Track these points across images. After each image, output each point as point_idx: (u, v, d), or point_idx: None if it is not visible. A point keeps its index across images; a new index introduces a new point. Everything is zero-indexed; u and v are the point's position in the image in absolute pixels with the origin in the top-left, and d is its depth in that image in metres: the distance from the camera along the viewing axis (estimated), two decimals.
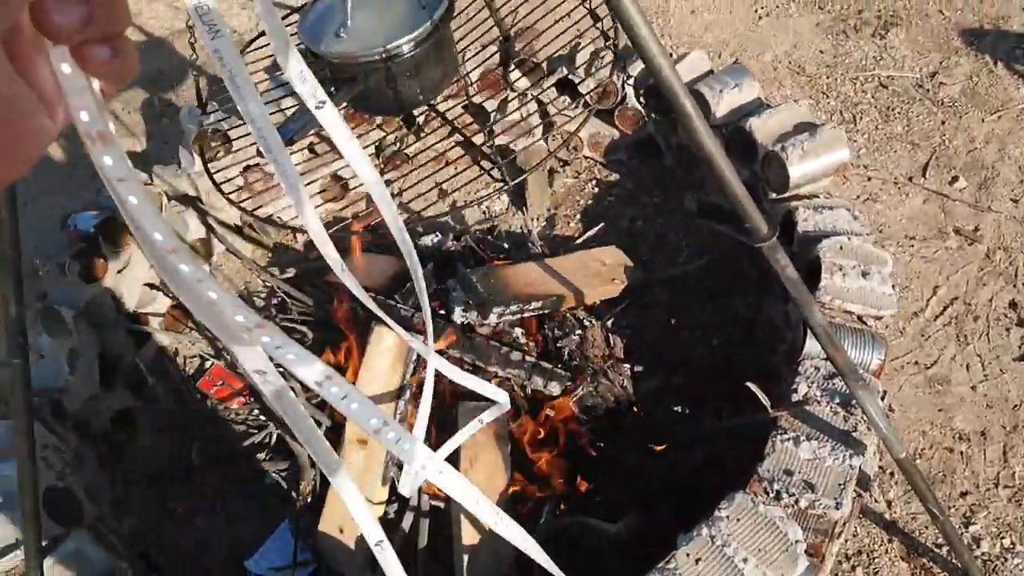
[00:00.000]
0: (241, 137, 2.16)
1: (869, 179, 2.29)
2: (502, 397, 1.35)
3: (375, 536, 0.78)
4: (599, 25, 1.30)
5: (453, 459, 1.74)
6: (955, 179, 2.24)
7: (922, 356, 1.92)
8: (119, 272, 2.11)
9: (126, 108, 2.90)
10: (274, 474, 1.96)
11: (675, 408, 1.95)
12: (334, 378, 0.54)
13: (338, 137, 0.75)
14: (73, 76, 0.34)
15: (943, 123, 2.38)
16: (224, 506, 1.94)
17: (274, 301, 2.24)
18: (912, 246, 2.12)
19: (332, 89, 1.29)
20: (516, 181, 1.50)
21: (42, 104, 0.33)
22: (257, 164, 2.26)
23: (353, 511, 0.72)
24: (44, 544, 1.53)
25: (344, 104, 1.32)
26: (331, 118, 0.74)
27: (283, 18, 1.73)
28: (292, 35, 1.43)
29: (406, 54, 1.21)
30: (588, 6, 1.29)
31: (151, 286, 2.21)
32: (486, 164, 2.36)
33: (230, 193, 1.56)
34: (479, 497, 0.74)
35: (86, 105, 0.35)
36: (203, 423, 2.04)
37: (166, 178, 2.22)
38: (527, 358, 1.80)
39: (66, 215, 2.05)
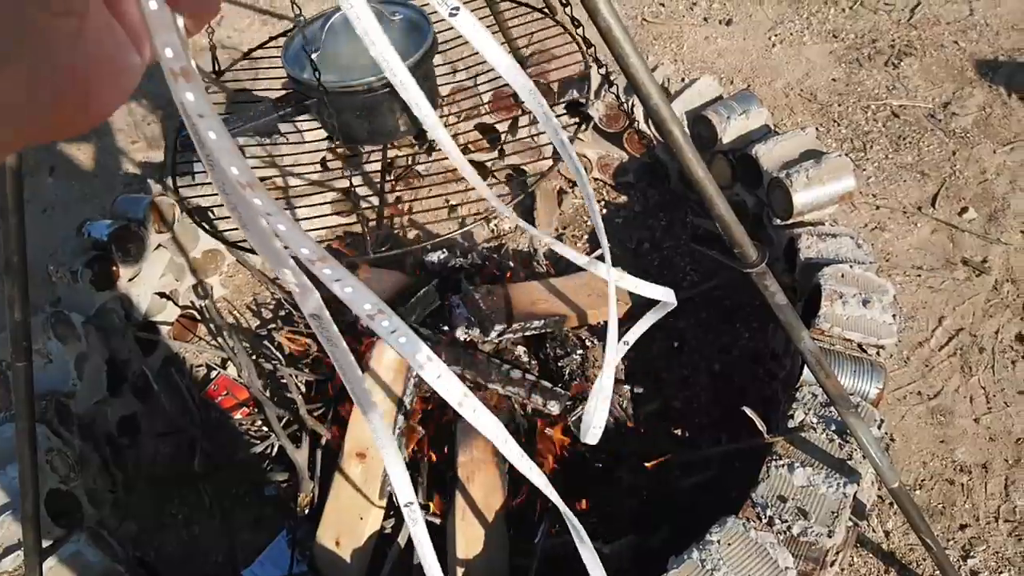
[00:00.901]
0: (257, 146, 2.20)
1: (878, 208, 2.28)
2: (668, 296, 1.28)
3: (406, 497, 0.80)
4: (591, 51, 1.31)
5: (452, 476, 1.75)
6: (965, 210, 2.23)
7: (925, 387, 1.90)
8: (130, 280, 2.15)
9: (147, 119, 2.96)
10: (273, 485, 1.98)
11: (674, 431, 1.95)
12: (385, 310, 0.56)
13: (478, 41, 0.80)
14: (159, 12, 0.34)
15: (954, 153, 2.37)
16: (223, 514, 1.96)
17: (281, 313, 2.27)
18: (919, 276, 2.11)
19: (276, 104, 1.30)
20: (516, 200, 1.52)
21: (131, 40, 0.34)
22: (270, 177, 2.30)
23: (387, 462, 0.76)
24: (45, 546, 1.55)
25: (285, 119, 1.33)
26: (468, 24, 0.79)
27: (277, 35, 1.76)
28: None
29: (380, 89, 1.21)
30: (592, 53, 1.30)
31: (161, 295, 2.25)
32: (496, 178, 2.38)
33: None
34: (476, 405, 0.74)
35: (171, 41, 0.35)
36: (206, 431, 2.07)
37: (180, 189, 2.26)
38: (528, 376, 1.81)
39: (82, 222, 2.09)
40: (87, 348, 1.99)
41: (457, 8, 0.76)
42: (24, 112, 0.30)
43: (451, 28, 1.66)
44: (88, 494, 1.84)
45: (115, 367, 2.07)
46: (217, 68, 1.46)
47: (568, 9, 1.05)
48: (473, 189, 1.20)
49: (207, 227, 1.32)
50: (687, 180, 0.98)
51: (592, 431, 1.32)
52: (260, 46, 1.78)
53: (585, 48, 1.13)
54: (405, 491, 0.82)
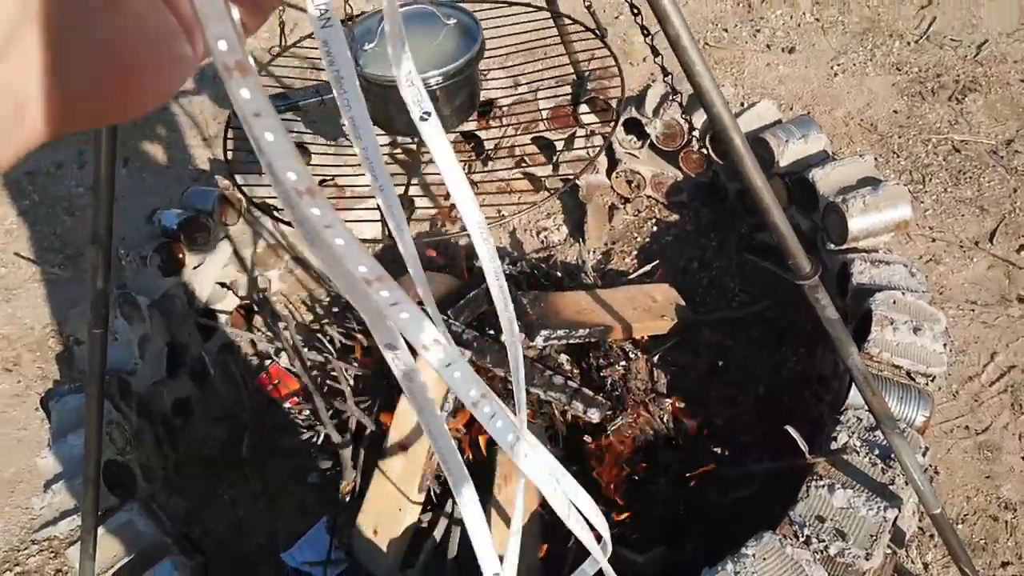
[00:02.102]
0: (321, 154, 2.29)
1: (934, 240, 2.27)
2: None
3: (490, 569, 0.72)
4: (666, 80, 1.36)
5: (489, 476, 1.78)
6: (1023, 247, 2.20)
7: (973, 421, 1.87)
8: (195, 268, 2.24)
9: (216, 118, 3.09)
10: (317, 473, 2.03)
11: (715, 448, 1.95)
12: (441, 342, 0.51)
13: (437, 150, 0.71)
14: (213, 1, 0.33)
15: (1015, 191, 2.34)
16: (268, 499, 2.02)
17: (335, 309, 2.34)
18: (973, 310, 2.09)
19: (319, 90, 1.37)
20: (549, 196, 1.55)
21: (183, 31, 0.33)
22: (333, 179, 2.38)
23: (472, 533, 0.68)
24: (101, 512, 1.63)
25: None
26: (433, 132, 0.70)
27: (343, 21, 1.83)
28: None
29: (433, 86, 1.28)
30: (660, 62, 1.34)
31: (223, 285, 2.34)
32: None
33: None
34: (528, 450, 0.67)
35: (225, 33, 0.33)
36: (256, 418, 2.14)
37: (248, 184, 2.35)
38: (569, 383, 1.83)
39: (153, 210, 2.19)
40: (150, 330, 2.08)
41: (428, 113, 0.69)
42: (67, 87, 0.29)
43: (516, 42, 1.71)
44: (142, 469, 1.92)
45: (175, 350, 2.16)
46: (283, 43, 1.54)
47: (639, 18, 1.09)
48: (525, 201, 1.25)
49: (276, 217, 1.38)
50: (745, 189, 1.01)
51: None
52: (309, 36, 1.86)
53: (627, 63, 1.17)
54: (488, 563, 0.72)
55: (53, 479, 1.79)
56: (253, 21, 0.36)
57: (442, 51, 1.33)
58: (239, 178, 2.35)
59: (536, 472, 0.68)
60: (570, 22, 1.84)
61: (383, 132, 1.44)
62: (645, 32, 1.12)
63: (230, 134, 1.48)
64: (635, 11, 1.09)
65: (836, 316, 1.13)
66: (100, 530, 1.65)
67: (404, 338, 0.50)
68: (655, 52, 1.08)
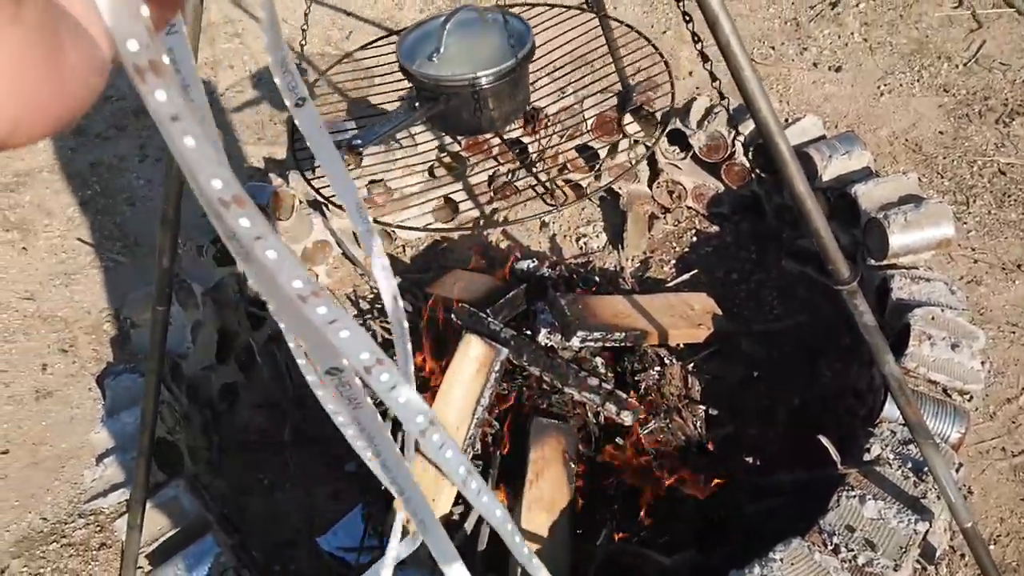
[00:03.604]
0: (372, 155, 2.36)
1: (976, 261, 2.26)
2: None
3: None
4: (715, 85, 1.40)
5: (520, 470, 1.81)
6: None
7: (1010, 443, 1.86)
8: None
9: (273, 119, 3.20)
10: (354, 462, 2.09)
11: (746, 458, 1.96)
12: (385, 363, 0.46)
13: (315, 140, 0.67)
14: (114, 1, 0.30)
15: None
16: (306, 484, 2.08)
17: (378, 305, 2.40)
18: (1013, 332, 2.07)
19: (416, 104, 1.43)
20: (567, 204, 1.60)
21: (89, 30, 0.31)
22: (382, 180, 2.46)
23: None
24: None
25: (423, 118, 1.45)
26: (309, 118, 0.66)
27: (378, 39, 1.90)
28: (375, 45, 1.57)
29: (486, 85, 1.33)
30: (709, 68, 1.38)
31: None
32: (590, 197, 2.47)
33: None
34: (481, 485, 0.59)
35: (134, 32, 0.31)
36: (298, 407, 2.20)
37: (300, 183, 2.44)
38: (603, 385, 1.87)
39: None
40: (203, 316, 2.16)
41: (304, 99, 0.65)
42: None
43: (565, 51, 1.76)
44: (188, 449, 2.00)
45: (225, 338, 2.24)
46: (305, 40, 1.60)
47: (691, 25, 1.13)
48: (563, 208, 1.29)
49: (332, 205, 1.45)
50: (786, 202, 1.04)
51: None
52: (363, 47, 1.94)
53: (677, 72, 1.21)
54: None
55: (105, 453, 1.87)
56: (160, 20, 0.34)
57: (492, 54, 1.38)
58: (295, 175, 2.44)
59: (485, 509, 0.60)
60: (620, 26, 1.88)
61: (454, 133, 1.49)
62: (696, 38, 1.16)
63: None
64: (687, 18, 1.14)
65: (874, 323, 1.15)
66: (150, 503, 1.72)
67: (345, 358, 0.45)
68: (704, 58, 1.12)
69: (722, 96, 1.25)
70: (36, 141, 0.30)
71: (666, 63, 1.58)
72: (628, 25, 1.65)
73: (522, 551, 0.66)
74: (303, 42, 1.73)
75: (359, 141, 1.40)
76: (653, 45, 1.50)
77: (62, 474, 2.28)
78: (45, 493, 2.22)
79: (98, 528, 2.13)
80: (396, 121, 1.38)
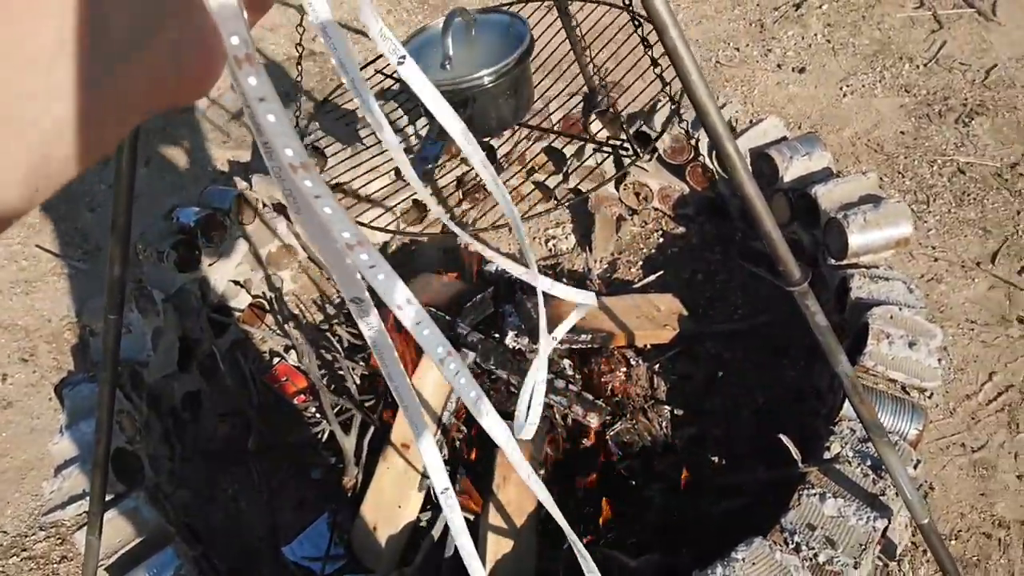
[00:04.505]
0: (335, 155, 2.34)
1: (936, 260, 2.29)
2: (589, 299, 1.22)
3: (442, 484, 0.81)
4: (666, 90, 1.39)
5: (488, 475, 1.81)
6: None
7: (970, 439, 1.89)
8: (210, 265, 2.29)
9: (236, 123, 3.16)
10: (319, 469, 2.07)
11: (711, 457, 1.97)
12: (413, 302, 0.57)
13: (424, 93, 0.79)
14: (226, 3, 0.37)
15: (1019, 213, 2.36)
16: (270, 493, 2.05)
17: (345, 309, 2.38)
18: (972, 330, 2.11)
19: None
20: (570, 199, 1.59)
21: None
22: (349, 183, 2.43)
23: (423, 449, 0.77)
24: (108, 498, 1.67)
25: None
26: (414, 73, 0.78)
27: (375, 59, 1.88)
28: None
29: (507, 75, 1.32)
30: (658, 72, 1.38)
31: (236, 283, 2.39)
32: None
33: None
34: (489, 409, 0.73)
35: (238, 30, 0.38)
36: (262, 414, 2.18)
37: (264, 186, 2.41)
38: (571, 387, 1.87)
39: (172, 207, 2.25)
40: (164, 324, 2.13)
41: (404, 57, 0.77)
42: (169, 79, 0.32)
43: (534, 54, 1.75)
44: (149, 459, 1.97)
45: (187, 345, 2.21)
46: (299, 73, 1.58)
47: (640, 30, 1.13)
48: (534, 211, 1.29)
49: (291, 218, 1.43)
50: (740, 200, 1.04)
51: (528, 427, 1.23)
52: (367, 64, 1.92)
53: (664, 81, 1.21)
54: (440, 478, 0.81)
55: (64, 464, 1.84)
56: (253, 16, 0.41)
57: (494, 50, 1.36)
58: (258, 179, 2.41)
59: (496, 430, 0.75)
60: (587, 28, 1.88)
61: (483, 135, 1.46)
62: (646, 44, 1.16)
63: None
64: (636, 23, 1.14)
65: (826, 323, 1.16)
66: (108, 514, 1.69)
67: (380, 298, 0.56)
68: (654, 63, 1.12)
69: (672, 100, 1.25)
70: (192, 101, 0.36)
71: (654, 59, 1.55)
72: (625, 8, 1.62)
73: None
74: (299, 61, 1.73)
75: (429, 159, 1.37)
76: (645, 39, 1.47)
77: (23, 486, 2.24)
78: (5, 506, 2.18)
79: (59, 541, 2.09)
80: (440, 143, 1.35)
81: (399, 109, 2.27)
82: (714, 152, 2.29)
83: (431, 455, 0.77)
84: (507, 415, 1.79)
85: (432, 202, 0.87)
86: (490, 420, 0.73)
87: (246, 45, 0.39)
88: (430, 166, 1.32)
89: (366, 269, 0.52)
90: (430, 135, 1.34)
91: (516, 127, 1.82)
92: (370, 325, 0.62)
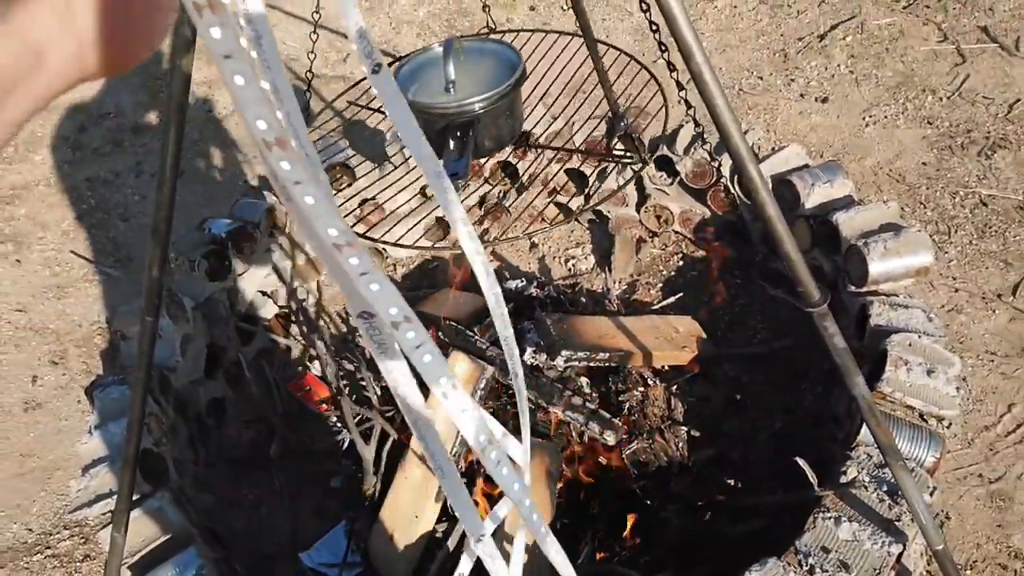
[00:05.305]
0: (365, 175, 2.40)
1: (956, 290, 2.30)
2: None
3: (475, 531, 0.76)
4: (690, 112, 1.43)
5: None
6: None
7: (987, 470, 1.89)
8: (239, 276, 2.35)
9: None
10: (339, 478, 2.10)
11: (728, 480, 1.98)
12: (412, 322, 0.49)
13: (391, 105, 0.73)
14: (251, 88, 0.36)
15: None
16: (290, 500, 2.09)
17: None
18: (992, 361, 2.11)
19: (457, 134, 1.44)
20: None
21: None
22: (374, 198, 2.49)
23: (454, 504, 0.72)
24: (135, 498, 1.71)
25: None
26: (386, 84, 0.72)
27: (389, 64, 1.94)
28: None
29: (476, 111, 1.36)
30: (683, 96, 1.42)
31: (264, 293, 2.44)
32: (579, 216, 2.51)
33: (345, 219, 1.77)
34: (501, 457, 0.66)
35: (263, 115, 0.37)
36: (286, 422, 2.22)
37: None
38: (587, 404, 1.89)
39: (204, 219, 2.31)
40: (193, 331, 2.18)
41: (379, 65, 0.71)
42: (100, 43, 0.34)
43: (559, 77, 1.80)
44: (174, 462, 2.01)
45: (214, 352, 2.26)
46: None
47: (666, 55, 1.17)
48: (553, 229, 1.33)
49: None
50: (762, 221, 1.07)
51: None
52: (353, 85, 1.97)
53: (687, 107, 1.25)
54: (473, 526, 0.76)
55: (91, 464, 1.89)
56: None
57: (491, 72, 1.42)
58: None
59: (503, 480, 0.67)
60: (613, 52, 1.93)
61: (488, 153, 1.49)
62: (672, 68, 1.20)
63: None
64: (663, 48, 1.18)
65: (844, 345, 1.18)
66: (134, 513, 1.73)
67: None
68: (680, 87, 1.16)
69: (697, 124, 1.29)
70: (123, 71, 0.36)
71: (661, 89, 1.61)
72: (623, 51, 1.69)
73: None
74: (310, 72, 1.78)
75: (459, 175, 1.41)
76: (648, 71, 1.53)
77: (48, 485, 2.29)
78: (31, 504, 2.23)
79: (82, 540, 2.13)
80: (464, 158, 1.39)
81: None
82: (736, 176, 2.32)
83: (460, 499, 0.72)
84: (537, 434, 1.83)
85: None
86: (503, 470, 0.66)
87: (274, 129, 0.36)
88: (460, 182, 1.36)
89: (356, 276, 0.46)
90: (452, 151, 1.38)
91: (539, 148, 1.86)
92: (381, 346, 0.57)
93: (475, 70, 1.45)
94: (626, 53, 1.79)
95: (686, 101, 1.20)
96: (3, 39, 0.32)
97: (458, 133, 1.42)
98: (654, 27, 1.29)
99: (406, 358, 0.53)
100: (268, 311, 2.44)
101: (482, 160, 2.50)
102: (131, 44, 0.36)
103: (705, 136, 2.29)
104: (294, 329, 2.46)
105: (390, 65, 1.79)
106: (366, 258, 0.45)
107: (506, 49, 1.48)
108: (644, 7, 1.15)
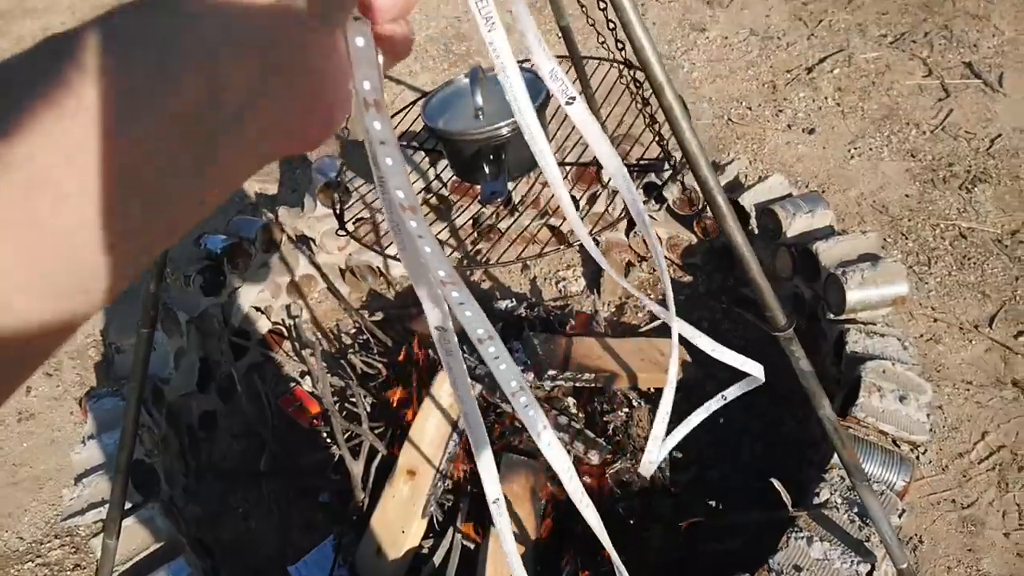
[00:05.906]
0: (368, 192, 2.46)
1: (935, 320, 2.35)
2: (757, 371, 1.34)
3: (493, 493, 0.90)
4: (661, 144, 1.48)
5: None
6: (1021, 334, 2.28)
7: (960, 496, 1.94)
8: (234, 291, 2.40)
9: None
10: (328, 493, 2.14)
11: (708, 501, 2.03)
12: (494, 336, 0.61)
13: (589, 133, 0.85)
14: (366, 48, 0.38)
15: (1017, 279, 2.43)
16: (279, 513, 2.12)
17: (361, 339, 2.48)
18: (968, 390, 2.16)
19: (491, 157, 1.49)
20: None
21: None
22: (368, 217, 2.55)
23: (483, 472, 0.86)
24: (126, 507, 1.75)
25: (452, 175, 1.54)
26: (582, 114, 0.83)
27: (413, 102, 2.00)
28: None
29: (505, 135, 1.42)
30: (657, 129, 1.48)
31: (257, 309, 2.49)
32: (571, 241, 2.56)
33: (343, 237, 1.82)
34: (552, 439, 0.80)
35: (371, 75, 0.39)
36: (276, 435, 2.26)
37: (289, 218, 2.53)
38: (573, 424, 1.94)
39: (200, 234, 2.37)
40: (186, 344, 2.23)
41: (573, 98, 0.81)
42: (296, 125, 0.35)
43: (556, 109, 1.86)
44: (165, 473, 2.05)
45: (206, 366, 2.31)
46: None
47: (641, 91, 1.24)
48: (547, 253, 1.39)
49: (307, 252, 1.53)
50: (729, 245, 1.13)
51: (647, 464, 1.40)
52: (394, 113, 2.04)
53: (664, 141, 1.31)
54: (493, 489, 0.90)
55: (84, 473, 1.93)
56: (387, 66, 0.44)
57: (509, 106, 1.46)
58: (284, 210, 2.53)
59: (556, 460, 0.83)
60: (601, 78, 2.00)
61: (515, 175, 1.54)
62: (645, 103, 1.26)
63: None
64: (637, 84, 1.24)
65: (809, 368, 1.23)
66: (126, 521, 1.77)
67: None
68: (652, 120, 1.22)
69: (669, 156, 1.35)
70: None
71: (652, 116, 1.67)
72: (624, 62, 1.74)
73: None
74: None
75: (499, 192, 1.46)
76: (644, 98, 1.59)
77: (40, 495, 2.32)
78: (23, 513, 2.26)
79: (73, 549, 2.16)
80: (501, 178, 1.44)
81: (420, 150, 2.39)
82: (699, 187, 2.38)
83: (488, 469, 0.87)
84: (523, 453, 1.88)
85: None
86: (553, 452, 0.81)
87: (376, 91, 0.40)
88: (500, 199, 1.41)
89: (456, 305, 0.57)
90: (488, 174, 1.43)
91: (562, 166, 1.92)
92: (448, 352, 0.66)
93: (502, 98, 1.50)
94: (631, 65, 1.82)
95: (659, 134, 1.26)
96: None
97: (491, 156, 1.47)
98: (626, 66, 1.35)
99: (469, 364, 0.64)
100: (262, 326, 2.49)
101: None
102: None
103: (667, 160, 2.37)
104: (287, 344, 2.51)
105: (414, 103, 1.84)
106: (465, 292, 0.56)
107: (530, 75, 1.54)
108: (620, 45, 1.21)
